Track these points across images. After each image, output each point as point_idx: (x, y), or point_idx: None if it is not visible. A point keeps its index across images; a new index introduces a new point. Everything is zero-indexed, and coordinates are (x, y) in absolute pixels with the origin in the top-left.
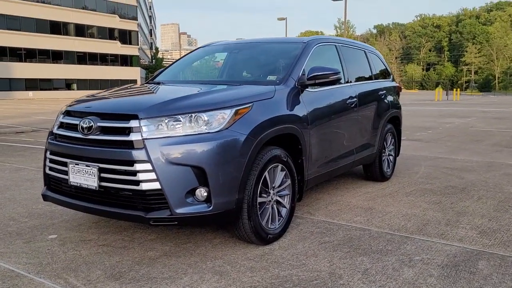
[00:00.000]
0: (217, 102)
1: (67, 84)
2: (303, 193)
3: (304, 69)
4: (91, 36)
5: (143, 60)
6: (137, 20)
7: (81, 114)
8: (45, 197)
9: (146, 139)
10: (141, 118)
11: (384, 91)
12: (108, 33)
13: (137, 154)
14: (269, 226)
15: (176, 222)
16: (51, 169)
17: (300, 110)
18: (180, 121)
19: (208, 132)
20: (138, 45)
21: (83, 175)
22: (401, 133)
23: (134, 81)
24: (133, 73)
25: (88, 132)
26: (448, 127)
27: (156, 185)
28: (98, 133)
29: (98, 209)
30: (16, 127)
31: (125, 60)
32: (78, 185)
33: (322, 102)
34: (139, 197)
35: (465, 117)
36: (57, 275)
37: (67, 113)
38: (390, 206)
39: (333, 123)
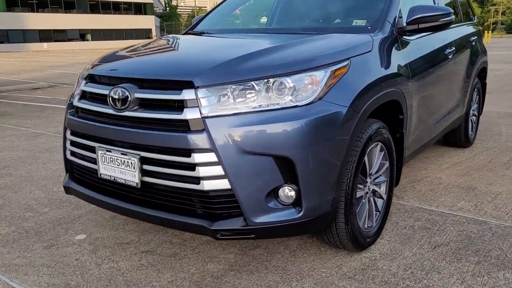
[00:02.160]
0: (304, 60)
1: (81, 35)
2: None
3: (400, 10)
4: None
5: (157, 8)
6: None
7: (110, 80)
8: (68, 190)
9: (207, 117)
10: (198, 87)
11: (475, 37)
12: None
13: (196, 139)
14: (366, 226)
15: (254, 236)
16: (73, 154)
17: (402, 68)
18: (254, 89)
19: (296, 106)
20: None
21: (118, 166)
22: (486, 87)
23: (149, 30)
24: (148, 21)
25: (123, 107)
26: (498, 74)
27: (224, 184)
28: (136, 108)
29: (142, 212)
30: (32, 83)
31: (138, 8)
32: (112, 178)
33: (424, 55)
34: (199, 200)
35: (510, 62)
36: None
37: (91, 78)
38: (496, 185)
39: (434, 83)
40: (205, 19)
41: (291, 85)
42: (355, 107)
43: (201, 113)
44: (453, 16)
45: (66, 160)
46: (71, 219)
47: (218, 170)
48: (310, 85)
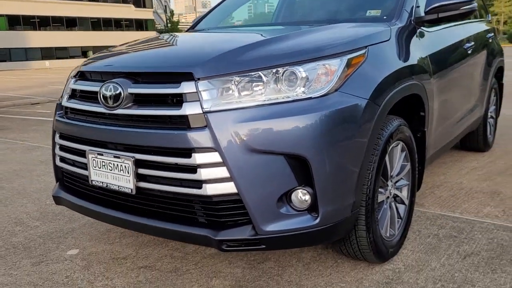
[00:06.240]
0: (317, 48)
1: (83, 52)
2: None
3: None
4: (105, 0)
5: (158, 24)
6: None
7: (102, 76)
8: (58, 200)
9: (210, 112)
10: (198, 78)
11: (491, 34)
12: None
13: (197, 137)
14: (388, 234)
15: (264, 246)
16: (63, 160)
17: (422, 60)
18: (261, 80)
19: (309, 98)
20: (152, 8)
21: (111, 171)
22: (503, 88)
23: None
24: None
25: (115, 104)
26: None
27: (229, 188)
28: (130, 105)
29: (138, 223)
30: (32, 98)
31: (140, 25)
32: (105, 185)
33: (444, 48)
34: (202, 207)
35: None
36: None
37: (81, 76)
38: None
39: (455, 78)
40: (206, 19)
41: (303, 74)
42: (376, 99)
43: (202, 107)
44: (475, 4)
45: (55, 168)
46: (63, 233)
47: (222, 172)
48: (324, 75)
